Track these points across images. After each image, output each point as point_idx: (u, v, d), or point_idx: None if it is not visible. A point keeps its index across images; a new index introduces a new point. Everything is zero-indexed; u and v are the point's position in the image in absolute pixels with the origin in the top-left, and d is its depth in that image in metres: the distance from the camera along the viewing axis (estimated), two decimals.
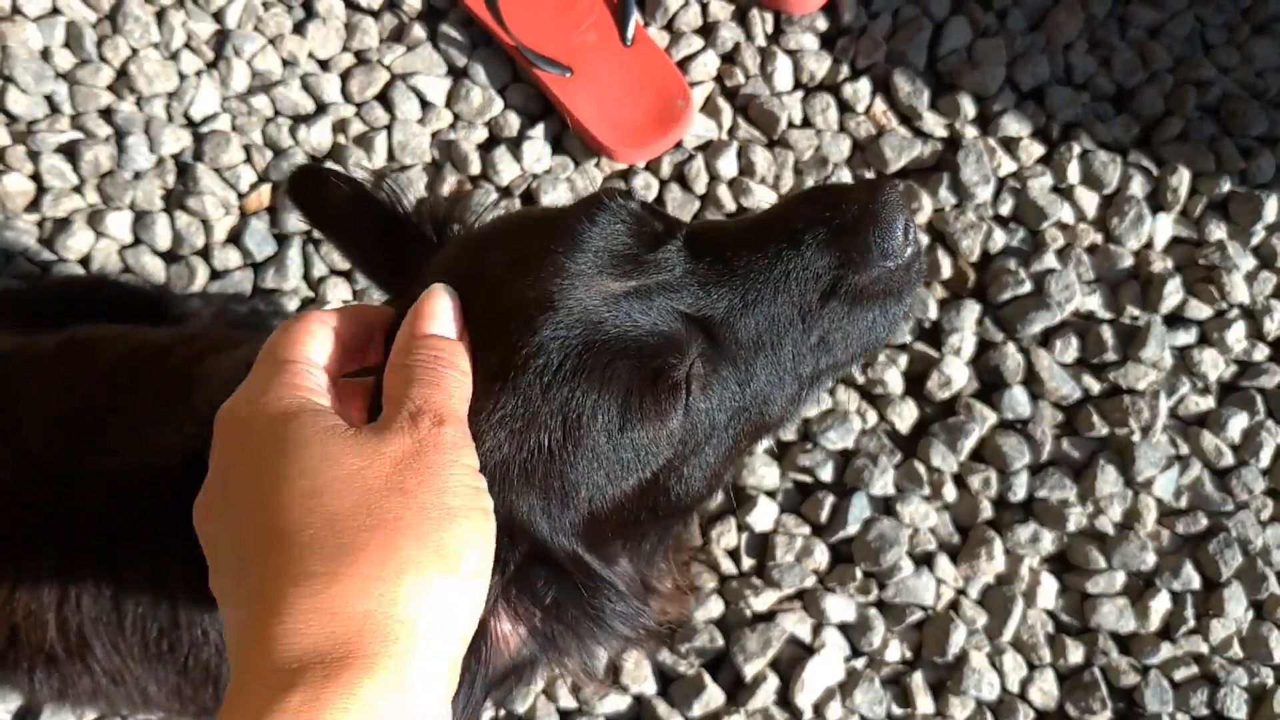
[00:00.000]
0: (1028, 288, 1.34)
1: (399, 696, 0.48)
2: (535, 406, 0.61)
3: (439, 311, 0.61)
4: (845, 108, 1.42)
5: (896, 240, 0.66)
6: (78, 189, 1.35)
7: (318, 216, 0.83)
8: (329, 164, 1.36)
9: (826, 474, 1.29)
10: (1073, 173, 1.39)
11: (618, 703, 1.21)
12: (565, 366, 0.61)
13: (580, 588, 0.66)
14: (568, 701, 1.21)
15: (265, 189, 1.36)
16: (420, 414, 0.55)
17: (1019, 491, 1.28)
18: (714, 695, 1.20)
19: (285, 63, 1.41)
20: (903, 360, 1.33)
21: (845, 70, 1.43)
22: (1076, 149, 1.40)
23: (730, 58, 1.44)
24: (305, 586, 0.49)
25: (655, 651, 1.22)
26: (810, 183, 1.38)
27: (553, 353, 0.61)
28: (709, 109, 1.42)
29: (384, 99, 1.40)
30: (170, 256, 1.34)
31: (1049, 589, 1.26)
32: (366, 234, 0.79)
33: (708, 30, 1.44)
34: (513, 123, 1.40)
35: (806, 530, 1.28)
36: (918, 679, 1.23)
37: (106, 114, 1.38)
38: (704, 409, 0.67)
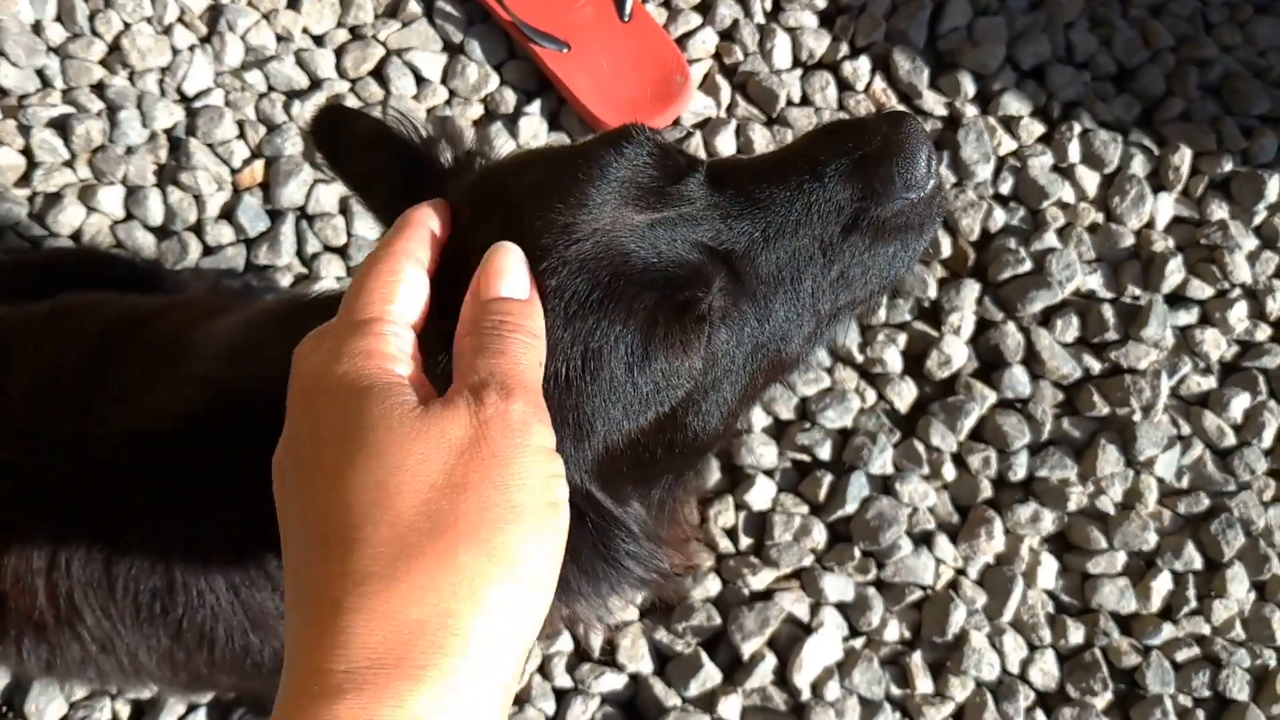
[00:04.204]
0: (1028, 267, 1.33)
1: (448, 708, 0.46)
2: (556, 335, 0.60)
3: (506, 269, 0.58)
4: (844, 86, 1.41)
5: (919, 171, 0.66)
6: (69, 164, 1.33)
7: (335, 154, 0.81)
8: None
9: (825, 453, 1.28)
10: (1073, 152, 1.38)
11: (614, 681, 1.19)
12: (592, 296, 0.60)
13: (594, 528, 0.65)
14: (563, 680, 1.19)
15: (259, 164, 1.34)
16: (484, 387, 0.52)
17: (1019, 471, 1.27)
18: (711, 674, 1.19)
19: (279, 38, 1.40)
20: (902, 339, 1.32)
21: (845, 48, 1.42)
22: (1077, 128, 1.39)
23: (729, 35, 1.43)
24: (362, 587, 0.47)
25: (653, 625, 1.21)
26: None
27: (579, 282, 0.60)
28: (707, 86, 1.41)
29: (379, 75, 1.39)
30: (162, 232, 1.32)
31: (1049, 569, 1.25)
32: (384, 171, 0.78)
33: (706, 7, 1.43)
34: (509, 99, 1.39)
35: (805, 509, 1.26)
36: (917, 659, 1.21)
37: (99, 88, 1.36)
38: (724, 343, 0.66)
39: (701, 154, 1.37)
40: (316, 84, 1.38)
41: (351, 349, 0.53)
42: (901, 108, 1.41)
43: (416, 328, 0.57)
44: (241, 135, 1.35)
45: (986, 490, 1.27)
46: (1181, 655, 1.23)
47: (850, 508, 1.25)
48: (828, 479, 1.26)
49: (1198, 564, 1.25)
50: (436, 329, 0.58)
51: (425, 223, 0.61)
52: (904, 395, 1.30)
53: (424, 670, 0.46)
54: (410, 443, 0.50)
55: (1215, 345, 1.32)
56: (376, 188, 0.80)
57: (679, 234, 0.64)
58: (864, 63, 1.41)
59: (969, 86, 1.40)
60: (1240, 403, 1.31)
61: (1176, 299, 1.34)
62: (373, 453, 0.50)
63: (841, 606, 1.23)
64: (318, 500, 0.51)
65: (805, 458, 1.28)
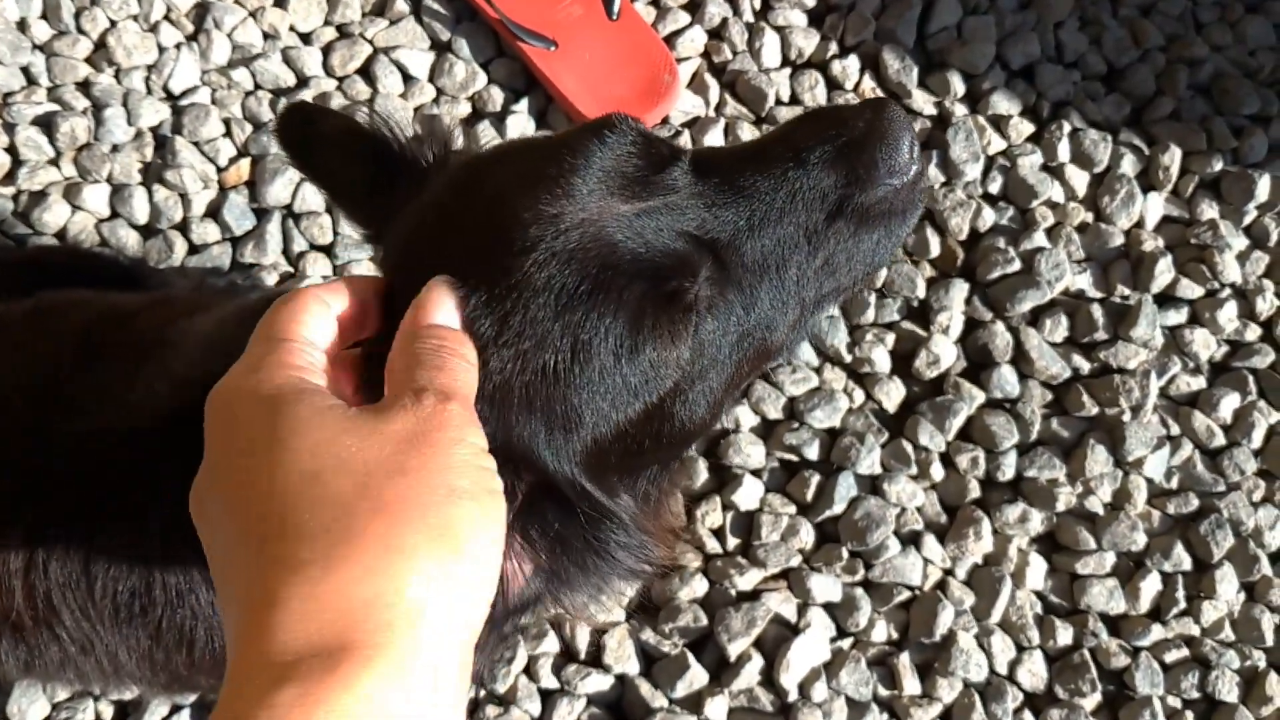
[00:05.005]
0: (1017, 266, 1.33)
1: (402, 689, 0.46)
2: (545, 327, 0.60)
3: (441, 303, 0.59)
4: (833, 85, 1.41)
5: (903, 157, 0.66)
6: (54, 162, 1.32)
7: (304, 154, 0.81)
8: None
9: (813, 453, 1.27)
10: (1063, 151, 1.38)
11: (600, 682, 1.18)
12: (581, 288, 0.60)
13: (585, 519, 0.65)
14: (549, 681, 1.19)
15: (245, 163, 1.34)
16: (424, 391, 0.53)
17: (1007, 471, 1.27)
18: (698, 675, 1.18)
19: (266, 36, 1.39)
20: (890, 339, 1.31)
21: (834, 47, 1.42)
22: (1067, 127, 1.39)
23: (718, 34, 1.42)
24: (302, 574, 0.46)
25: (640, 619, 1.20)
26: None
27: (569, 273, 0.60)
28: (696, 85, 1.40)
29: (366, 73, 1.39)
30: (148, 230, 1.32)
31: (1038, 569, 1.25)
32: (355, 169, 0.77)
33: (695, 6, 1.43)
34: (496, 97, 1.38)
35: (792, 509, 1.26)
36: (904, 660, 1.21)
37: (84, 86, 1.35)
38: (711, 332, 0.66)
39: None
40: (303, 82, 1.37)
41: (269, 361, 0.54)
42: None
43: (328, 352, 0.58)
44: (228, 133, 1.35)
45: (975, 490, 1.27)
46: (1170, 656, 1.22)
47: (838, 508, 1.24)
48: (815, 479, 1.26)
49: (1187, 565, 1.25)
50: (374, 351, 0.59)
51: (347, 281, 0.62)
52: (892, 395, 1.30)
53: (375, 650, 0.45)
54: (343, 436, 0.50)
55: (1205, 345, 1.32)
56: (348, 186, 0.79)
57: (665, 223, 0.64)
58: (853, 62, 1.41)
59: (958, 85, 1.40)
60: (1230, 403, 1.30)
61: (1166, 299, 1.34)
62: (304, 449, 0.50)
63: (829, 607, 1.23)
64: (249, 505, 0.50)
65: (793, 458, 1.28)
